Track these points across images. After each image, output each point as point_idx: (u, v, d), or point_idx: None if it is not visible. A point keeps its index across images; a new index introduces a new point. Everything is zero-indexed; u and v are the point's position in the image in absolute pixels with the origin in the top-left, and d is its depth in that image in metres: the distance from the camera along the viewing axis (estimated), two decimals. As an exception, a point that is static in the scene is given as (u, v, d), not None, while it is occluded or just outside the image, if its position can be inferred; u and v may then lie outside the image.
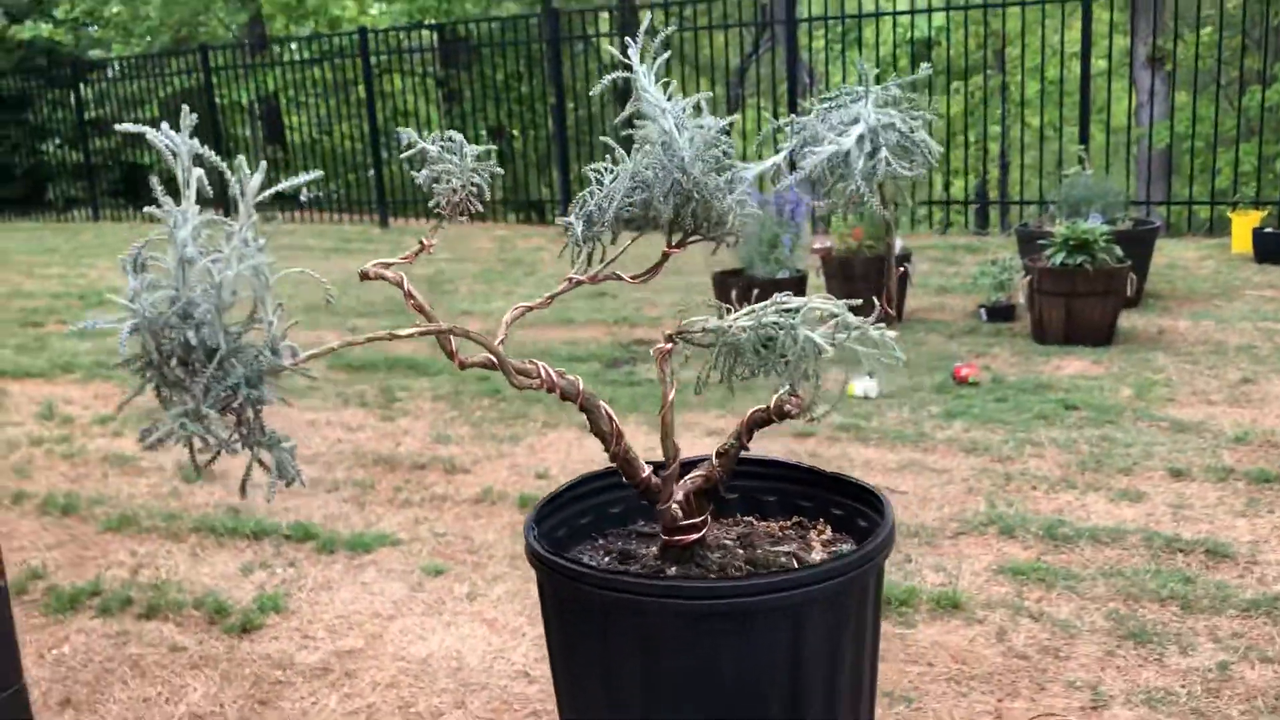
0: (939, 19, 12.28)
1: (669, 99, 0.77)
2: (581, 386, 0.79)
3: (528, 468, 4.68)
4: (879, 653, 0.82)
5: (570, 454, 4.83)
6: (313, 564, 3.79)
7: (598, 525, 1.03)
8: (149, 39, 20.72)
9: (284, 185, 0.66)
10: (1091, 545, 3.62)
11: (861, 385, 5.50)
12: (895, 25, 11.72)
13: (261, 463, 0.65)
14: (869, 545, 0.81)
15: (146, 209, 0.65)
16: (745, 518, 1.01)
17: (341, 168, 16.52)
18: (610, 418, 0.79)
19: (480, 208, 0.82)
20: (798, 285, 6.81)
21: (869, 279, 7.10)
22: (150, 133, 0.66)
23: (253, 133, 19.90)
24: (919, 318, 7.28)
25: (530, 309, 0.87)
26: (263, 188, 0.66)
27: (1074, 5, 10.51)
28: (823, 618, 0.80)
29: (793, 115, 0.76)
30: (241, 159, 0.68)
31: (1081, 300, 6.20)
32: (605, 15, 16.79)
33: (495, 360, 0.77)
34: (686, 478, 0.89)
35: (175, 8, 19.76)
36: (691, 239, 0.81)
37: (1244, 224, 9.01)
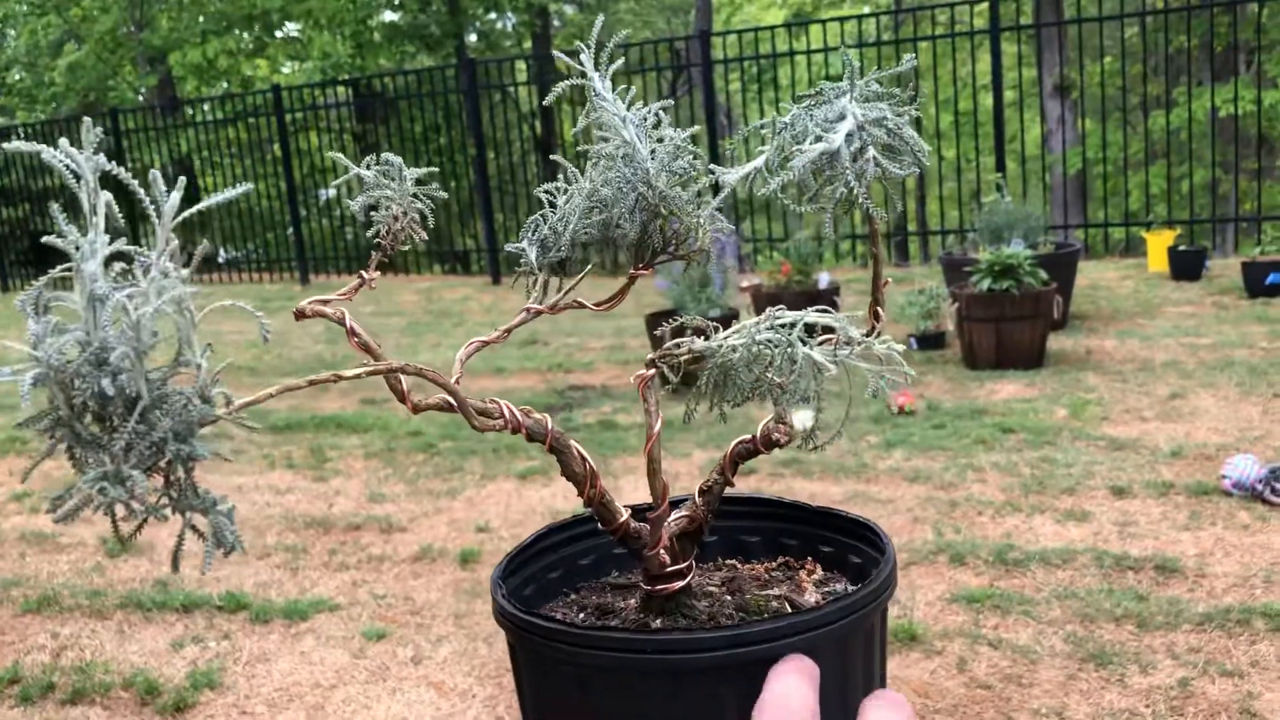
0: (852, 55, 12.49)
1: (628, 107, 0.70)
2: (550, 425, 0.71)
3: (467, 522, 4.56)
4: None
5: (510, 505, 4.71)
6: (247, 635, 3.63)
7: (569, 579, 0.95)
8: (54, 105, 20.31)
9: (206, 202, 0.57)
10: (1043, 568, 3.60)
11: (799, 418, 5.47)
12: (810, 64, 11.90)
13: (195, 529, 0.56)
14: (873, 582, 0.74)
15: (45, 239, 0.56)
16: (728, 560, 0.94)
17: (259, 226, 16.26)
18: (584, 459, 0.71)
19: (424, 235, 0.73)
20: (729, 323, 6.79)
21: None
22: (48, 151, 0.57)
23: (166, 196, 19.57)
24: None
25: (486, 343, 0.78)
26: (178, 214, 0.57)
27: (981, 38, 10.76)
28: (831, 663, 0.72)
29: (774, 114, 0.69)
30: (155, 173, 0.59)
31: (1010, 324, 6.26)
32: (521, 65, 16.83)
33: (452, 401, 0.68)
34: (670, 519, 0.81)
35: (81, 73, 19.41)
36: (659, 259, 0.74)
37: (1159, 243, 9.23)
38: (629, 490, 4.67)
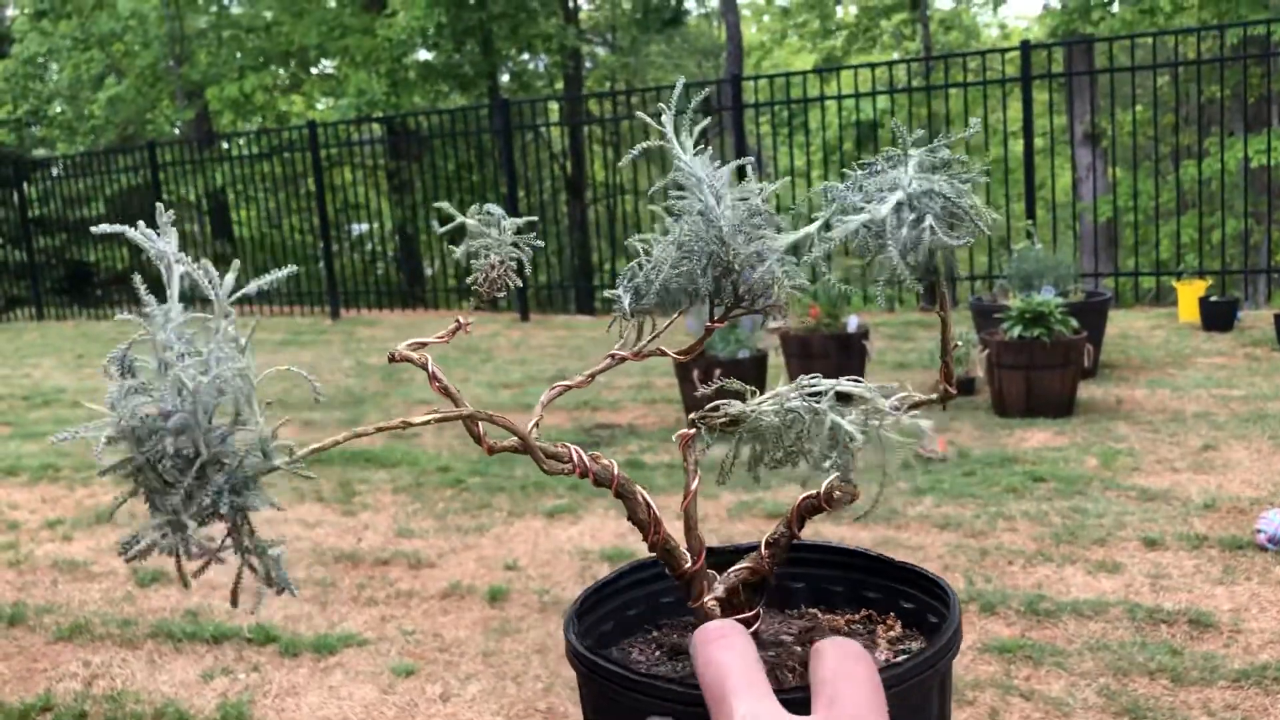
0: (882, 101, 12.56)
1: (707, 168, 0.73)
2: (616, 471, 0.73)
3: (495, 559, 4.56)
4: None
5: (538, 543, 4.72)
6: (276, 668, 3.64)
7: (651, 616, 0.96)
8: (94, 137, 20.66)
9: (264, 281, 0.60)
10: (1075, 619, 3.57)
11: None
12: (840, 109, 11.98)
13: (253, 569, 0.59)
14: (931, 648, 0.75)
15: (121, 316, 0.60)
16: (810, 610, 0.95)
17: (291, 260, 16.44)
18: (648, 505, 0.73)
19: (519, 282, 0.76)
20: (758, 365, 6.80)
21: (828, 356, 7.11)
22: (133, 233, 0.61)
23: (200, 228, 19.82)
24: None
25: (570, 388, 0.80)
26: (233, 290, 0.61)
27: (1013, 85, 10.80)
28: None
29: (827, 182, 0.71)
30: (207, 263, 0.62)
31: (1041, 372, 6.24)
32: (553, 105, 17.01)
33: (523, 445, 0.71)
34: (731, 570, 0.82)
35: (121, 106, 19.75)
36: (734, 312, 0.76)
37: (1190, 293, 9.19)
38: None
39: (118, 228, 0.68)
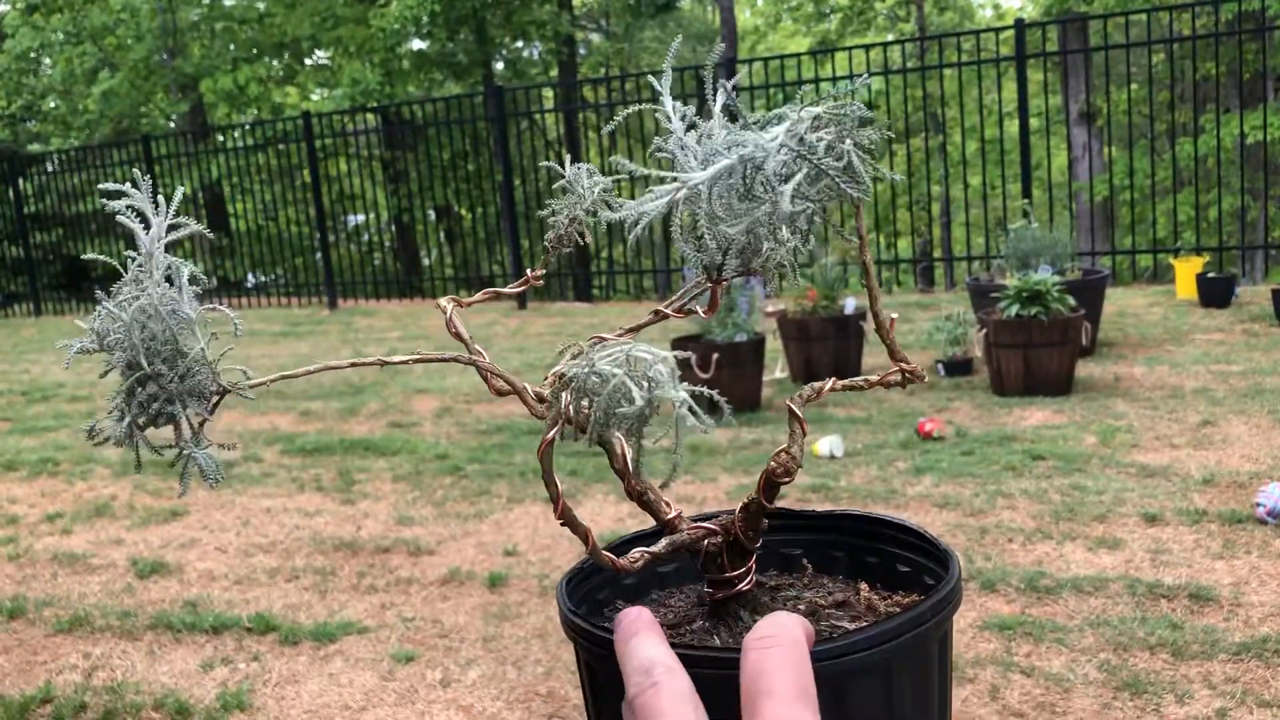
0: (876, 83, 12.52)
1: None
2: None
3: (495, 545, 4.56)
4: None
5: (538, 529, 4.72)
6: (276, 657, 3.64)
7: (645, 587, 0.95)
8: (88, 132, 20.61)
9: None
10: (1075, 595, 3.57)
11: (827, 444, 5.46)
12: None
13: (198, 464, 0.67)
14: (928, 602, 0.74)
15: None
16: (818, 576, 0.94)
17: (288, 252, 16.41)
18: (624, 454, 0.73)
19: (584, 240, 0.77)
20: (755, 348, 6.79)
21: (826, 338, 7.11)
22: (131, 193, 0.68)
23: (197, 221, 19.77)
24: (877, 375, 7.28)
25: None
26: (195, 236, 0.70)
27: (1007, 65, 10.76)
28: (876, 684, 0.72)
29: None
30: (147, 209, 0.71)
31: (1039, 351, 6.24)
32: (548, 92, 16.95)
33: (514, 389, 0.73)
34: (699, 523, 0.82)
35: (115, 100, 19.69)
36: (728, 274, 0.76)
37: (1187, 270, 9.18)
38: (641, 511, 4.68)
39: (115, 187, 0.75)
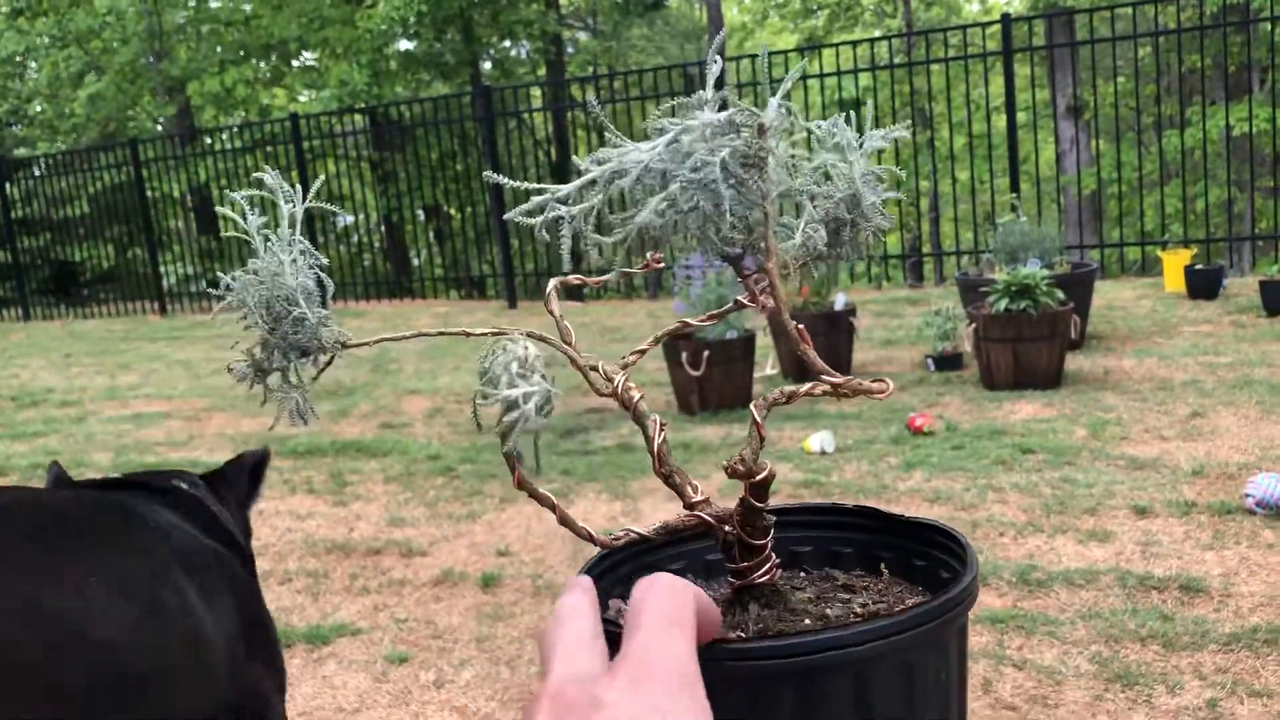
0: (864, 79, 12.54)
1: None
2: (636, 399, 0.77)
3: (488, 545, 4.56)
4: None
5: (531, 528, 4.72)
6: (270, 660, 3.63)
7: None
8: (75, 135, 20.54)
9: None
10: (1066, 588, 3.59)
11: (818, 440, 5.47)
12: (823, 87, 11.94)
13: (297, 402, 0.74)
14: (946, 595, 0.75)
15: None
16: (832, 572, 0.96)
17: (277, 254, 16.33)
18: (662, 427, 0.76)
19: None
20: (746, 345, 6.80)
21: (817, 334, 7.10)
22: (268, 177, 0.77)
23: (185, 224, 19.72)
24: (868, 371, 7.30)
25: (644, 352, 0.85)
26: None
27: (994, 59, 10.79)
28: (890, 681, 0.73)
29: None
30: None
31: (1028, 344, 6.25)
32: (536, 91, 16.94)
33: (574, 363, 0.78)
34: (698, 509, 0.84)
35: (101, 104, 19.63)
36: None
37: (1175, 263, 9.21)
38: (649, 513, 4.68)
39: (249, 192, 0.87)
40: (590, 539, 0.86)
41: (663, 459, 0.82)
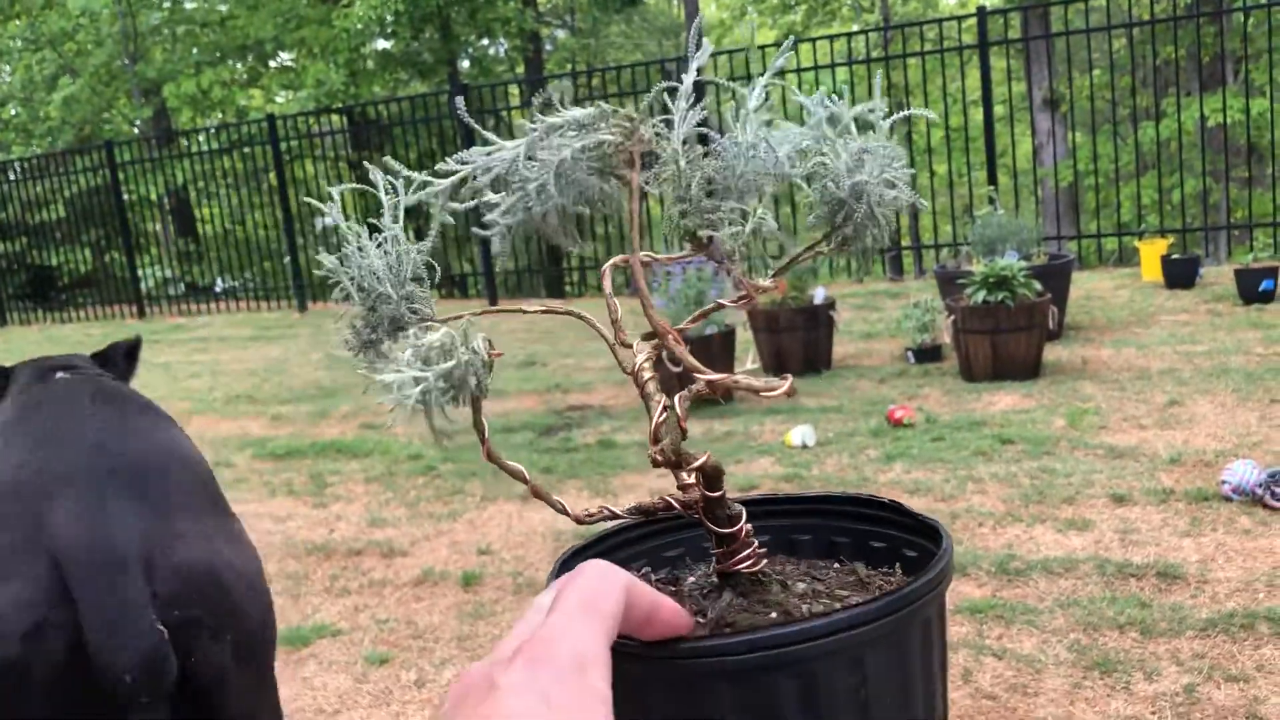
0: (842, 73, 12.56)
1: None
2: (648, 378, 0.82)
3: (469, 544, 4.55)
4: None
5: (512, 526, 4.71)
6: (249, 662, 3.62)
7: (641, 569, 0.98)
8: (50, 139, 20.38)
9: None
10: (1045, 577, 3.60)
11: (799, 434, 5.48)
12: (801, 82, 11.96)
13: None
14: (917, 581, 0.75)
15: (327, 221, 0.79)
16: (819, 561, 0.97)
17: (256, 256, 16.30)
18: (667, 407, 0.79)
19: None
20: (726, 340, 6.80)
21: (796, 329, 7.13)
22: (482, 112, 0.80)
23: (164, 227, 19.61)
24: (848, 364, 7.32)
25: (684, 330, 0.89)
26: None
27: (970, 53, 10.82)
28: (882, 659, 0.73)
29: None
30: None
31: (1006, 335, 6.28)
32: (514, 89, 16.90)
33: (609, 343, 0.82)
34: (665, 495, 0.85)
35: (76, 107, 19.49)
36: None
37: (1152, 252, 9.27)
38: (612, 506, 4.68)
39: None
40: (564, 512, 0.87)
41: (657, 438, 0.83)
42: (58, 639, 1.58)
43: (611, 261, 0.92)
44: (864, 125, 0.83)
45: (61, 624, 1.58)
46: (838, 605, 0.83)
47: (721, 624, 0.82)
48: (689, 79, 0.79)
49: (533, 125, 0.83)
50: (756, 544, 0.86)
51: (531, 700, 0.46)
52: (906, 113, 0.96)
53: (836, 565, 0.95)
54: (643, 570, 1.00)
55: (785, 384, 0.78)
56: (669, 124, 0.90)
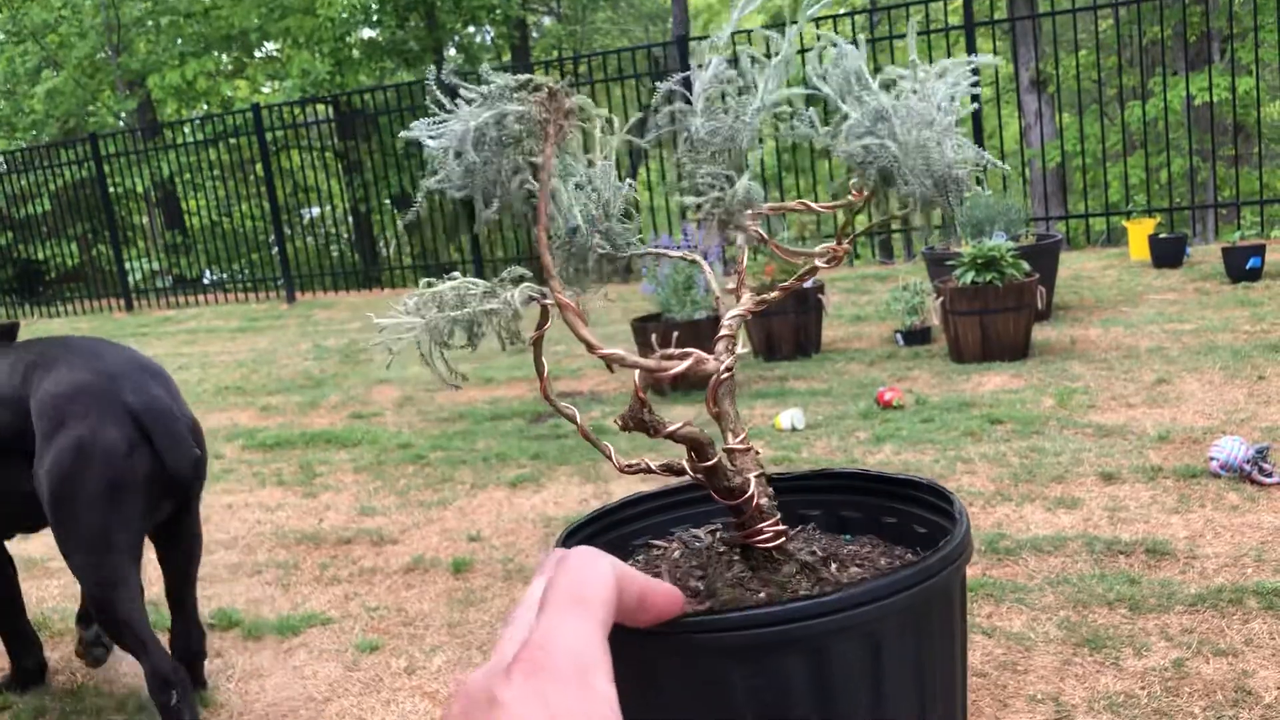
0: (828, 56, 12.54)
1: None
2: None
3: (458, 531, 4.54)
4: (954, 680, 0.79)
5: (501, 513, 4.70)
6: (239, 652, 3.61)
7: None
8: (34, 132, 20.26)
9: None
10: (1034, 555, 3.61)
11: (788, 417, 5.48)
12: (787, 65, 11.90)
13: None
14: (936, 554, 0.75)
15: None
16: (836, 539, 0.98)
17: (244, 247, 16.23)
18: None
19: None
20: (715, 325, 6.78)
21: (785, 312, 7.12)
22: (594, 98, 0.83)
23: (150, 219, 19.52)
24: (837, 347, 7.32)
25: (765, 302, 0.94)
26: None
27: (957, 34, 10.80)
28: (852, 651, 0.72)
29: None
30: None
31: (995, 316, 6.28)
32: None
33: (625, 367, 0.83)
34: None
35: (60, 99, 19.37)
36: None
37: (1140, 232, 9.27)
38: (620, 494, 4.66)
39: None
40: (610, 458, 0.90)
41: (716, 399, 0.90)
42: (142, 457, 2.80)
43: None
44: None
45: (143, 449, 2.80)
46: (852, 579, 0.82)
47: (714, 604, 0.81)
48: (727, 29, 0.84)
49: (469, 100, 0.88)
50: (777, 518, 0.85)
51: (536, 713, 0.45)
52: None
53: (869, 541, 0.95)
54: (643, 541, 1.01)
55: (679, 366, 0.84)
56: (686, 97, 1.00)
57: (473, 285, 0.87)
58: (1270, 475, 3.99)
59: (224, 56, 20.96)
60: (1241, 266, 7.75)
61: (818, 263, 0.96)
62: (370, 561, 4.32)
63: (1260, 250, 7.76)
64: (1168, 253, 8.76)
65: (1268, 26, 11.97)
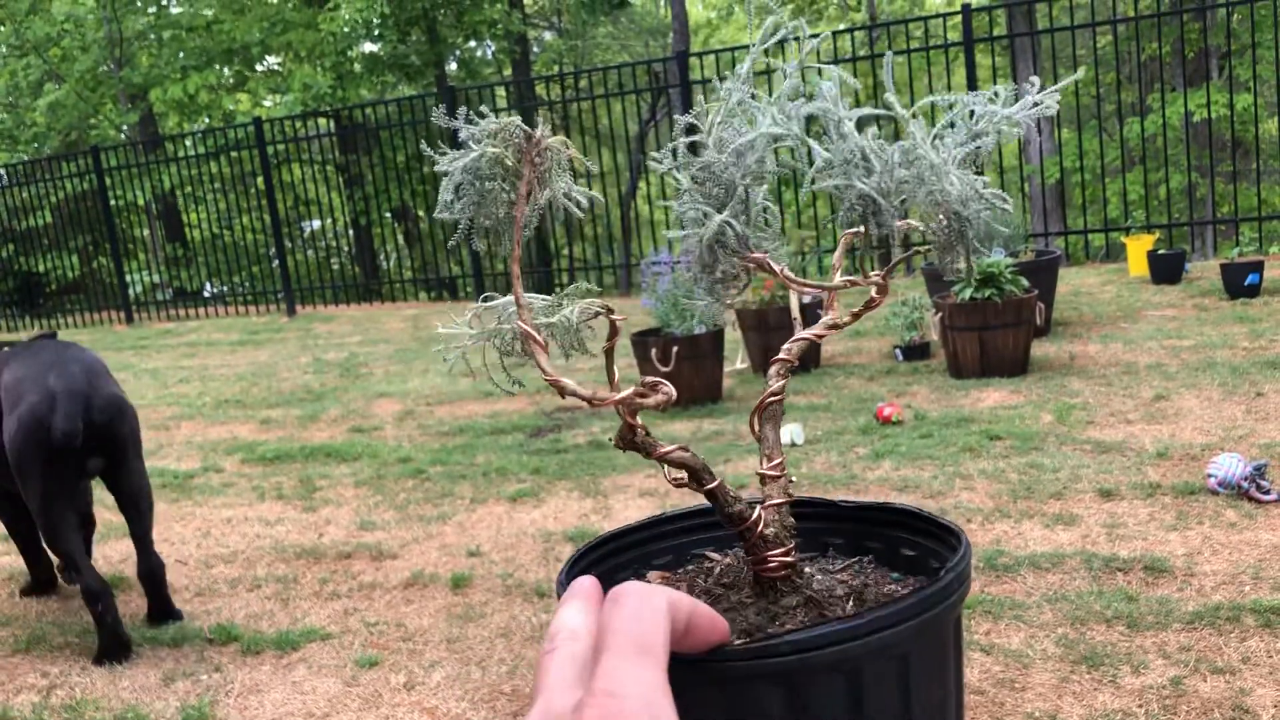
0: (827, 73, 12.59)
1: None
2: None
3: (458, 546, 4.55)
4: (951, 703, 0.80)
5: (501, 528, 4.71)
6: (239, 667, 3.61)
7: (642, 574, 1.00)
8: (37, 145, 20.30)
9: None
10: (1032, 572, 3.61)
11: (787, 432, 5.49)
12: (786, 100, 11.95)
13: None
14: (930, 587, 0.76)
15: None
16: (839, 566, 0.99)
17: (245, 260, 16.25)
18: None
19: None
20: (714, 340, 6.80)
21: (784, 327, 7.13)
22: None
23: (152, 232, 19.54)
24: (836, 362, 7.33)
25: (813, 338, 0.97)
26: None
27: (956, 50, 10.84)
28: (833, 685, 0.73)
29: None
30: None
31: (994, 332, 6.29)
32: (501, 91, 16.89)
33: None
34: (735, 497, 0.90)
35: (62, 112, 19.41)
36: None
37: (1139, 248, 9.29)
38: (619, 509, 4.67)
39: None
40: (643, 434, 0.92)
41: (760, 422, 0.91)
42: (53, 420, 3.50)
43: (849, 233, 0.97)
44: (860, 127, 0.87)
45: (54, 414, 3.50)
46: (870, 605, 0.83)
47: (754, 628, 0.82)
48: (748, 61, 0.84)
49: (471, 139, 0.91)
50: (788, 547, 0.86)
51: None
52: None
53: (869, 566, 0.97)
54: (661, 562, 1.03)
55: (616, 396, 0.86)
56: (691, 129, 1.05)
57: (536, 299, 0.91)
58: (1268, 492, 4.00)
59: (226, 70, 21.01)
60: (1240, 282, 7.77)
61: (873, 294, 1.00)
62: (370, 576, 4.33)
63: (1258, 266, 7.78)
64: (1166, 269, 8.78)
65: (1266, 43, 12.02)
